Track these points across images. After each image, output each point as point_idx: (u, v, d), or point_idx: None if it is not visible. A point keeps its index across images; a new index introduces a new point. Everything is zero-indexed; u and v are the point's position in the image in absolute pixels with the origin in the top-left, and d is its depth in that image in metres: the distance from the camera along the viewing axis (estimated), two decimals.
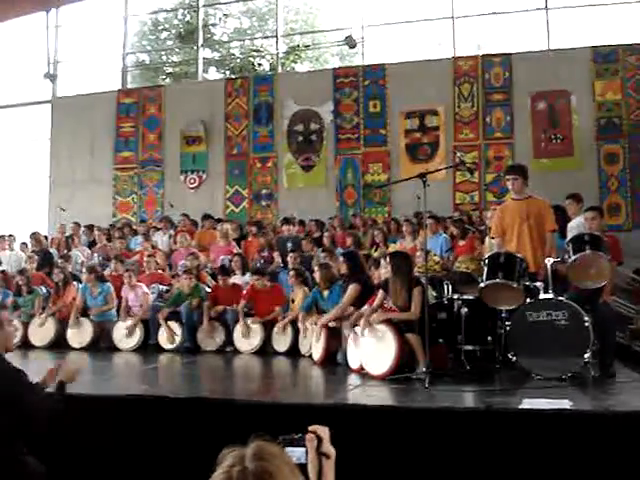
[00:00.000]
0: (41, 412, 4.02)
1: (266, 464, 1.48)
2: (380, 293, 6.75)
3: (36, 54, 17.56)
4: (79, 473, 4.85)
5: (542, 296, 6.08)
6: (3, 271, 11.49)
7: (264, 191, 15.16)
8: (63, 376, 4.24)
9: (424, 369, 5.83)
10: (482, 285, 6.29)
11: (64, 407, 4.07)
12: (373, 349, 6.36)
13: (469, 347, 6.56)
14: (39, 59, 17.47)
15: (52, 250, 12.76)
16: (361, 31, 15.42)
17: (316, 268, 8.28)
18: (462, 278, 7.73)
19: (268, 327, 8.69)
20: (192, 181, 15.63)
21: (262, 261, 10.76)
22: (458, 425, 4.47)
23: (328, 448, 1.93)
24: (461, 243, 9.69)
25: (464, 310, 6.53)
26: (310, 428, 1.94)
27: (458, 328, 6.53)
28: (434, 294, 7.45)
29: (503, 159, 13.71)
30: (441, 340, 6.56)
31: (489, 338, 6.58)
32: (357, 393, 5.84)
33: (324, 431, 1.95)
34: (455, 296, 6.84)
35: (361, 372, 6.51)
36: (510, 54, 14.09)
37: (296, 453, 1.82)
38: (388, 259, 6.82)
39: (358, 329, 6.62)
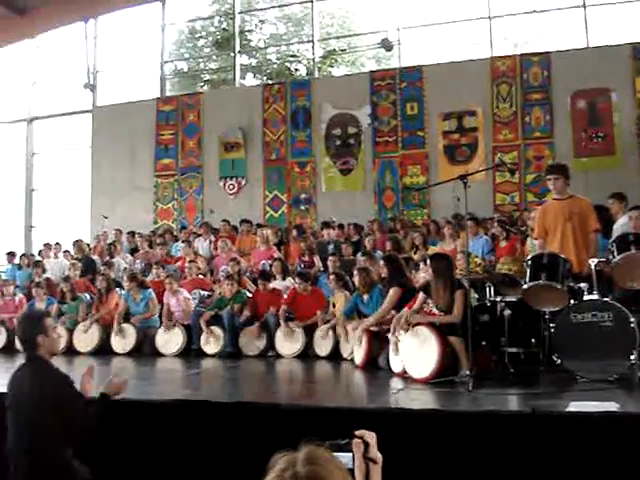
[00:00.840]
0: (81, 422, 4.08)
1: (318, 468, 1.49)
2: (420, 296, 6.71)
3: (76, 64, 17.84)
4: (122, 477, 4.90)
5: (586, 297, 5.98)
6: (48, 278, 11.69)
7: (303, 195, 15.22)
8: (109, 389, 4.28)
9: (467, 372, 5.77)
10: (525, 287, 6.22)
11: (97, 423, 4.11)
12: (415, 352, 6.32)
13: (513, 349, 6.47)
14: (79, 69, 17.75)
15: (95, 257, 12.95)
16: (397, 33, 15.39)
17: (356, 272, 8.28)
18: (504, 280, 7.64)
19: (309, 331, 8.71)
20: (231, 187, 15.74)
21: (303, 265, 10.80)
22: (504, 429, 4.42)
23: (375, 453, 1.92)
24: (503, 244, 9.61)
25: (507, 312, 6.45)
26: (357, 433, 1.93)
27: (501, 330, 6.46)
28: (476, 296, 7.39)
29: (543, 159, 13.56)
30: (484, 343, 6.48)
31: (533, 340, 6.51)
32: (400, 397, 5.80)
33: (371, 436, 1.94)
34: (497, 298, 6.77)
35: (403, 376, 6.47)
36: (549, 53, 13.94)
37: (343, 459, 1.82)
38: (429, 262, 6.77)
39: (400, 333, 6.59)
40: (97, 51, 17.95)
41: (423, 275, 7.30)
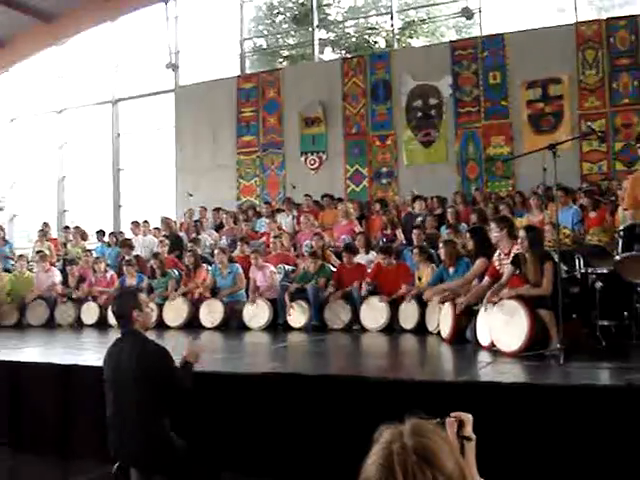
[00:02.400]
0: (181, 388, 4.25)
1: (425, 440, 1.50)
2: (509, 268, 6.62)
3: (158, 45, 18.14)
4: (215, 449, 5.03)
5: None
6: (137, 255, 12.02)
7: (384, 169, 15.12)
8: (190, 357, 4.42)
9: (558, 345, 5.68)
10: (618, 258, 6.04)
11: (188, 389, 4.26)
12: (504, 325, 6.23)
13: (604, 322, 6.35)
14: (161, 50, 18.04)
15: (181, 234, 13.24)
16: (478, 1, 15.01)
17: (441, 245, 8.23)
18: (594, 251, 7.50)
19: (395, 305, 8.70)
20: (312, 162, 15.79)
21: (385, 239, 10.78)
22: (597, 403, 4.34)
23: (470, 433, 1.93)
24: (592, 215, 9.35)
25: (598, 284, 6.32)
26: (452, 414, 1.95)
27: (592, 303, 6.33)
28: (565, 268, 7.24)
29: (632, 126, 13.05)
30: (574, 316, 6.36)
31: (625, 313, 6.35)
32: (489, 370, 5.75)
33: (467, 417, 1.96)
34: (588, 270, 6.62)
35: (492, 349, 6.41)
36: (636, 16, 13.37)
37: None
38: (523, 233, 6.63)
39: (488, 305, 6.52)
40: (178, 31, 18.18)
41: (495, 235, 7.19)
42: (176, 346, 4.50)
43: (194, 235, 12.77)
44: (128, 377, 4.06)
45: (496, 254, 7.08)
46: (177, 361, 4.34)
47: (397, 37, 16.83)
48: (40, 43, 19.42)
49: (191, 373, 4.35)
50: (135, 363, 4.08)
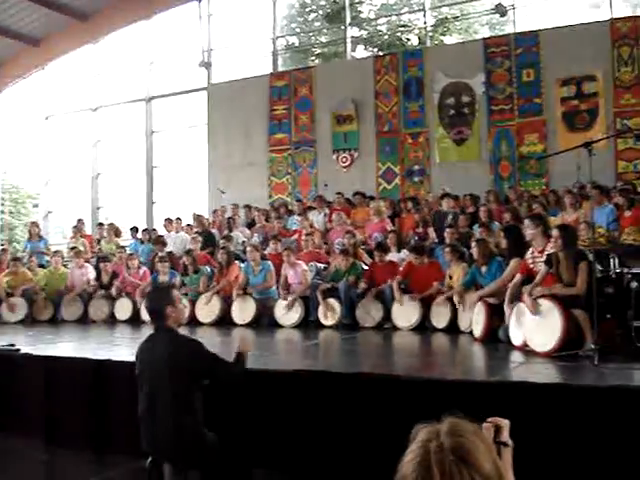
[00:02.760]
0: (229, 377, 4.29)
1: (463, 440, 1.49)
2: (543, 267, 6.57)
3: (191, 43, 18.27)
4: (246, 445, 5.05)
5: None
6: (170, 252, 12.11)
7: (416, 167, 15.08)
8: (240, 347, 4.48)
9: (592, 346, 5.62)
10: None
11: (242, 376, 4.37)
12: (537, 325, 6.19)
13: (639, 323, 6.26)
14: (194, 48, 18.16)
15: (214, 231, 13.31)
16: None
17: (474, 244, 8.18)
18: (629, 250, 7.40)
19: (426, 303, 8.68)
20: (344, 160, 15.79)
21: (416, 237, 10.75)
22: (632, 404, 4.29)
23: (507, 438, 1.92)
24: (627, 214, 9.21)
25: (634, 284, 6.22)
26: (489, 419, 1.94)
27: (627, 303, 6.24)
28: (600, 268, 7.16)
29: None
30: (609, 316, 6.29)
31: None
32: (522, 370, 5.71)
33: (504, 423, 1.95)
34: (624, 270, 6.54)
35: (524, 349, 6.37)
36: None
37: None
38: (557, 232, 6.57)
39: (521, 305, 6.48)
40: (211, 29, 18.29)
41: (530, 232, 7.12)
42: (208, 343, 4.52)
43: (226, 232, 12.82)
44: (162, 372, 4.10)
45: (529, 252, 7.03)
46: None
47: (430, 34, 16.77)
48: (75, 41, 19.69)
49: (244, 365, 4.44)
50: (169, 358, 4.11)
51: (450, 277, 8.71)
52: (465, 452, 1.46)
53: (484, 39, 15.25)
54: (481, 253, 7.96)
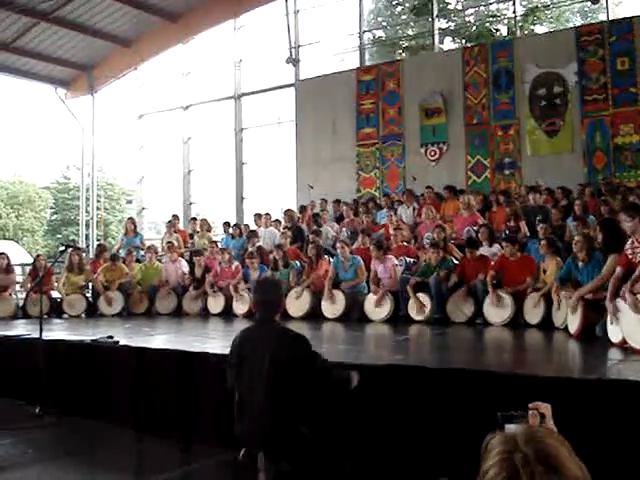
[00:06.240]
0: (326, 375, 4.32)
1: (543, 446, 1.44)
2: None
3: (278, 40, 18.46)
4: (336, 438, 5.08)
5: None
6: (260, 247, 12.30)
7: (507, 159, 14.81)
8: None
9: None
10: None
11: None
12: (637, 322, 6.01)
13: None
14: (281, 44, 18.34)
15: (302, 226, 13.43)
16: None
17: (577, 238, 7.90)
18: None
19: (519, 299, 8.53)
20: (433, 153, 15.66)
21: (508, 231, 10.58)
22: None
23: (551, 425, 1.88)
24: None
25: None
26: (531, 405, 1.90)
27: None
28: None
29: None
30: None
31: None
32: (620, 368, 5.54)
33: (547, 408, 1.90)
34: None
35: (623, 346, 6.18)
36: None
37: (511, 430, 1.77)
38: None
39: (620, 301, 6.29)
40: (298, 26, 18.43)
41: (628, 225, 6.88)
42: None
43: (315, 227, 12.92)
44: (263, 363, 4.10)
45: (629, 242, 6.74)
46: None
47: (519, 24, 16.44)
48: (166, 42, 20.20)
49: (349, 381, 4.46)
50: (274, 349, 4.13)
51: (544, 271, 8.54)
52: (551, 459, 1.40)
53: (576, 27, 14.89)
54: (583, 248, 7.70)
